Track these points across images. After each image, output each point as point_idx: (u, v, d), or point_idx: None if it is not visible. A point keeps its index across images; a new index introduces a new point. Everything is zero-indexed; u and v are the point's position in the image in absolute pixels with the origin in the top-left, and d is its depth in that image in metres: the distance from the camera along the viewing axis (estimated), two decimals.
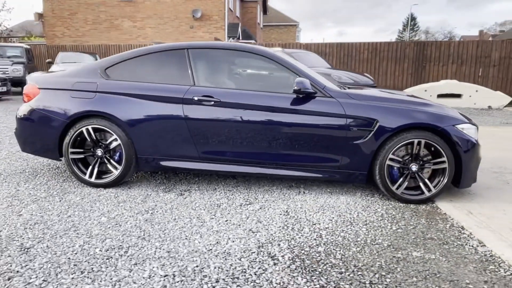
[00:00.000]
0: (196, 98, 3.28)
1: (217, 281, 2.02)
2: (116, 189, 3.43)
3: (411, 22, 79.38)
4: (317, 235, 2.61)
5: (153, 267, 2.14)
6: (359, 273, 2.14)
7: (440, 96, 10.80)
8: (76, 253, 2.27)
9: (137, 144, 3.36)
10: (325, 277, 2.08)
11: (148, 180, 3.74)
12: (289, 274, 2.10)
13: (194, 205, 3.11)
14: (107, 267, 2.13)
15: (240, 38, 18.82)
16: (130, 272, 2.09)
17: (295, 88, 3.14)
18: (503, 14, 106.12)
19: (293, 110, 3.23)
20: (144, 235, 2.55)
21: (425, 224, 2.83)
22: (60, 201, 3.13)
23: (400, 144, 3.16)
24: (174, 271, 2.10)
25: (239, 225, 2.74)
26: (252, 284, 2.00)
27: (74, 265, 2.15)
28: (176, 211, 2.98)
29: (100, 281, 1.99)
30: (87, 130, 3.38)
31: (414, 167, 3.22)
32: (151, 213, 2.94)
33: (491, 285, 2.02)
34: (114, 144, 3.38)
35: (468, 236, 2.63)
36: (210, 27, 16.89)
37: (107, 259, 2.22)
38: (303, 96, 3.24)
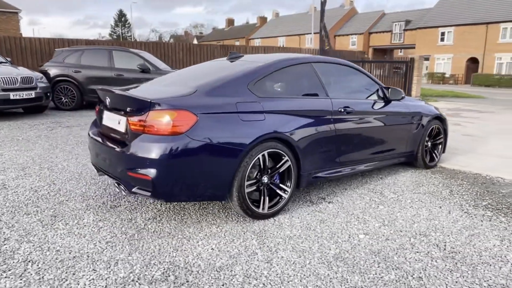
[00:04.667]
0: (341, 110, 3.55)
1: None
2: (280, 216, 3.19)
3: (122, 19, 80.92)
4: (460, 198, 3.77)
5: None
6: None
7: None
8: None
9: (302, 162, 3.25)
10: None
11: None
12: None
13: (365, 208, 3.48)
14: None
15: None
16: None
17: (403, 95, 4.05)
18: (190, 16, 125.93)
19: (389, 113, 4.12)
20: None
21: (463, 177, 4.50)
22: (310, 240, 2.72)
23: (429, 130, 4.69)
24: None
25: (419, 207, 3.49)
26: None
27: None
28: (372, 213, 3.30)
29: None
30: (263, 156, 2.95)
31: (429, 144, 4.84)
32: (385, 221, 3.15)
33: None
34: (285, 166, 3.12)
35: (489, 175, 4.51)
36: None
37: None
38: (387, 101, 4.15)
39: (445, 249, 2.66)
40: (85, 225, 2.89)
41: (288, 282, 2.19)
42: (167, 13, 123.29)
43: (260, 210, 3.02)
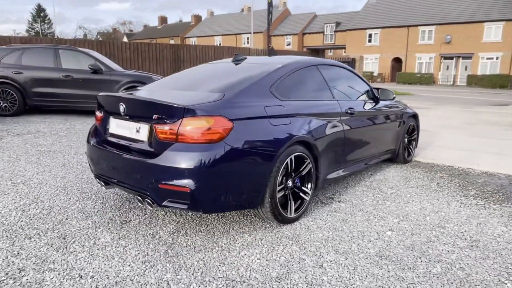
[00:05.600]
0: (347, 111, 3.65)
1: None
2: (303, 219, 3.20)
3: (41, 14, 74.09)
4: (449, 189, 4.10)
5: None
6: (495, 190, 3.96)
7: None
8: None
9: (320, 163, 3.28)
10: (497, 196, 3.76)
11: None
12: (499, 203, 3.60)
13: (374, 204, 3.63)
14: None
15: None
16: None
17: (394, 96, 4.27)
18: (116, 13, 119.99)
19: (382, 112, 4.34)
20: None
21: (440, 170, 4.90)
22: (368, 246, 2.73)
23: (407, 128, 5.02)
24: None
25: (420, 201, 3.74)
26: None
27: None
28: (384, 210, 3.46)
29: None
30: (291, 160, 2.93)
31: (406, 140, 5.19)
32: (400, 216, 3.28)
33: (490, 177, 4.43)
34: (307, 169, 3.13)
35: (460, 167, 4.97)
36: None
37: None
38: (377, 101, 4.36)
39: (465, 238, 2.88)
40: (105, 246, 2.63)
41: (352, 285, 2.21)
42: (90, 9, 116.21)
43: (288, 215, 3.00)
